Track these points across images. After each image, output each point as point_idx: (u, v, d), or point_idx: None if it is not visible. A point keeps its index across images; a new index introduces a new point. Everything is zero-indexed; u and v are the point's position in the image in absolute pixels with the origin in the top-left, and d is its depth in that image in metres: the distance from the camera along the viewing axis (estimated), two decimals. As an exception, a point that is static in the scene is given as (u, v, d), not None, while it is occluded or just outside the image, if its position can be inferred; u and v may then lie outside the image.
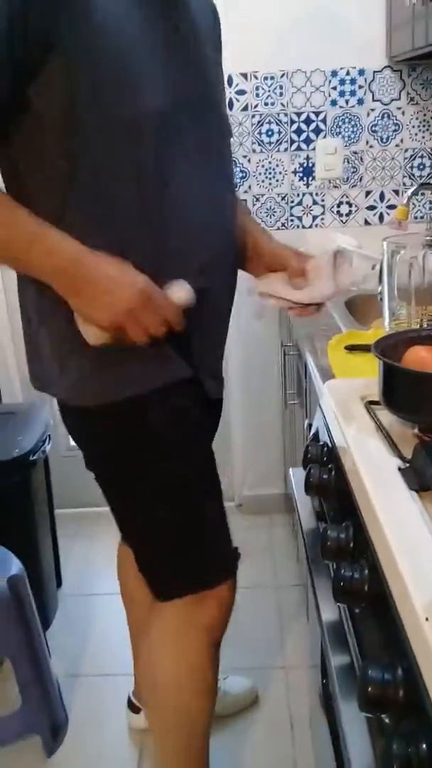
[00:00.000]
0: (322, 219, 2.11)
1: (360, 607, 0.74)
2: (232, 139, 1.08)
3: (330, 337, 1.36)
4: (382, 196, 2.08)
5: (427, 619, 0.55)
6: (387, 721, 0.58)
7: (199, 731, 1.20)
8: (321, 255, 1.06)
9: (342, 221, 2.11)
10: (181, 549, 1.08)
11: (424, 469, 0.77)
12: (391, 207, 2.07)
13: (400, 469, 0.80)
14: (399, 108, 1.99)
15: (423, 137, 2.02)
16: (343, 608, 0.82)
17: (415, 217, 2.07)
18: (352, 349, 1.28)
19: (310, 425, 1.31)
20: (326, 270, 1.06)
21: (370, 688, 0.56)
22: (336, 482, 0.93)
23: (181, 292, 0.93)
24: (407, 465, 0.81)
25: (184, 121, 0.93)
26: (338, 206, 2.09)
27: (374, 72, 1.96)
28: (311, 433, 1.13)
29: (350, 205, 2.10)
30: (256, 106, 2.00)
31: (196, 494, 1.08)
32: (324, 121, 2.01)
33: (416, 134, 2.02)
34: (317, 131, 2.02)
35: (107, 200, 0.91)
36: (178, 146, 0.93)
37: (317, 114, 2.01)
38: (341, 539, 0.81)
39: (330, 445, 1.00)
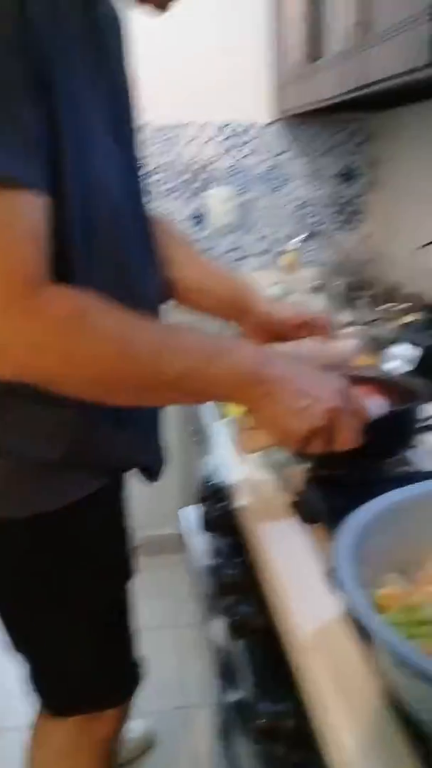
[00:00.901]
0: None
1: (254, 642, 0.75)
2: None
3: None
4: (274, 243, 2.17)
5: (312, 650, 0.56)
6: (281, 750, 0.58)
7: None
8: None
9: (236, 266, 2.18)
10: (89, 665, 1.00)
11: (315, 502, 0.79)
12: (283, 253, 2.15)
13: (292, 502, 0.83)
14: (288, 160, 2.10)
15: (311, 187, 2.13)
16: (238, 644, 0.82)
17: (307, 262, 2.16)
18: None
19: (206, 462, 1.32)
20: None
21: (263, 720, 0.56)
22: (231, 519, 0.94)
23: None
24: (299, 499, 0.83)
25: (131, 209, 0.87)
26: (231, 252, 2.16)
27: (263, 126, 2.06)
28: (207, 471, 1.14)
29: (243, 251, 2.17)
30: (150, 155, 2.04)
31: (110, 609, 1.01)
32: (216, 171, 2.08)
33: (305, 184, 2.12)
34: (210, 180, 2.09)
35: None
36: (130, 234, 0.86)
37: (210, 164, 2.08)
38: (235, 575, 0.82)
39: (225, 481, 1.01)
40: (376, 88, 1.24)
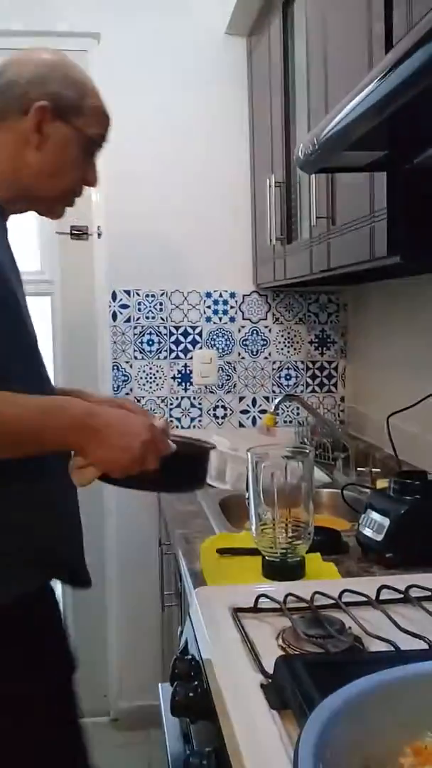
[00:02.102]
0: (200, 420, 2.23)
1: None
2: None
3: (203, 539, 1.39)
4: (254, 402, 2.25)
5: None
6: None
7: None
8: None
9: (218, 423, 2.24)
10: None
11: (284, 686, 0.77)
12: (263, 411, 2.23)
13: (262, 685, 0.80)
14: (266, 326, 2.23)
15: (288, 352, 2.25)
16: None
17: (285, 422, 2.23)
18: (223, 552, 1.31)
19: (180, 633, 1.29)
20: None
21: None
22: (202, 701, 0.91)
23: (161, 422, 1.06)
24: (269, 681, 0.81)
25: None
26: (214, 409, 2.23)
27: (243, 295, 2.22)
28: (180, 645, 1.11)
29: (225, 408, 2.24)
30: (138, 318, 2.17)
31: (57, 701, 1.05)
32: (200, 334, 2.21)
33: (282, 349, 2.24)
34: (194, 343, 2.21)
35: None
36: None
37: (194, 328, 2.20)
38: (204, 766, 0.78)
39: (197, 659, 0.99)
40: (338, 272, 1.36)
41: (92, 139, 1.17)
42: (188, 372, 2.21)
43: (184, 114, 2.12)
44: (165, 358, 2.19)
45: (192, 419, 2.22)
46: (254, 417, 2.25)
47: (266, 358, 2.24)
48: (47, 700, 1.01)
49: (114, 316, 2.16)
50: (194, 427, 2.22)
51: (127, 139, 2.02)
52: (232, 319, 2.22)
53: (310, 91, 1.48)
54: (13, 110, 1.11)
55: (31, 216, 2.37)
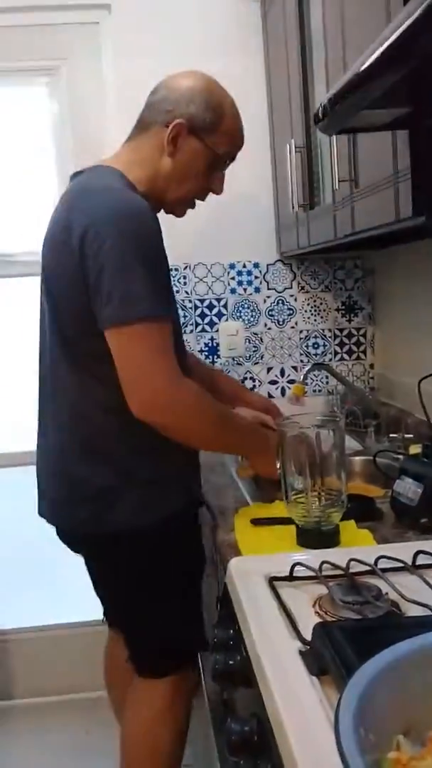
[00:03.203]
0: (229, 393, 2.22)
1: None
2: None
3: (237, 510, 1.40)
4: (282, 372, 2.23)
5: None
6: None
7: None
8: None
9: (248, 395, 2.23)
10: (186, 634, 1.42)
11: (323, 652, 0.78)
12: (291, 381, 2.21)
13: (300, 652, 0.81)
14: (292, 295, 2.21)
15: (315, 320, 2.22)
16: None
17: (314, 391, 2.21)
18: (257, 523, 1.32)
19: (218, 602, 1.30)
20: None
21: None
22: (242, 668, 0.92)
23: None
24: (307, 648, 0.81)
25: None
26: (242, 381, 2.22)
27: (268, 264, 2.19)
28: (218, 615, 1.12)
29: (253, 380, 2.23)
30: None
31: (197, 593, 1.48)
32: (225, 306, 2.19)
33: (309, 317, 2.22)
34: (219, 315, 2.19)
35: None
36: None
37: (219, 300, 2.19)
38: (246, 733, 0.79)
39: (236, 628, 1.00)
40: (363, 235, 1.34)
41: (220, 156, 1.41)
42: (215, 345, 2.20)
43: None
44: (191, 332, 2.19)
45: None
46: (283, 387, 2.23)
47: (293, 327, 2.22)
48: (192, 580, 1.47)
49: (138, 292, 2.15)
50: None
51: (143, 105, 1.99)
52: (257, 290, 2.20)
53: (327, 51, 1.44)
54: (158, 122, 1.37)
55: (52, 189, 2.36)
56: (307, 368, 1.94)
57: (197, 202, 1.49)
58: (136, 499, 1.33)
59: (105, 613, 1.62)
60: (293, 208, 1.77)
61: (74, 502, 1.36)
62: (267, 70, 2.09)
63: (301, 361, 2.23)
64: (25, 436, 2.33)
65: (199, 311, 2.19)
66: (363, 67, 0.81)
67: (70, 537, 1.47)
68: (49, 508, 1.45)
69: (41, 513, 1.47)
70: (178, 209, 1.47)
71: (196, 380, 1.33)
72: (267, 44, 2.08)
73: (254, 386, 2.23)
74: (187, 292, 2.18)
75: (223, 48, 2.08)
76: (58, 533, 1.48)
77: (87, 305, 1.24)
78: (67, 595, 2.44)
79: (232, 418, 1.39)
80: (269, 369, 2.23)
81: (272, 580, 1.00)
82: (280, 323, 2.22)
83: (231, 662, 0.94)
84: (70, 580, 2.40)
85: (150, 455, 1.33)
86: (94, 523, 1.35)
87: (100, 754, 2.06)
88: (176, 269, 2.15)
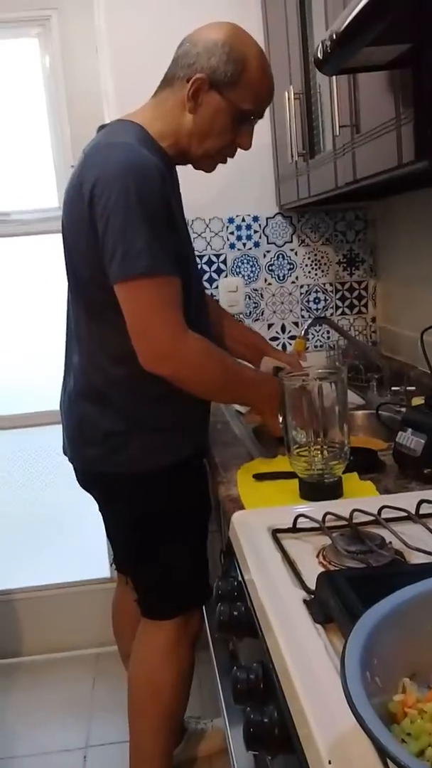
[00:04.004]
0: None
1: (272, 754, 0.72)
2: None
3: (239, 466, 1.40)
4: (283, 328, 2.21)
5: (330, 762, 0.54)
6: None
7: (178, 716, 1.61)
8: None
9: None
10: (192, 577, 1.48)
11: (327, 600, 0.78)
12: (293, 338, 2.19)
13: (305, 601, 0.81)
14: (292, 249, 2.17)
15: (316, 274, 2.19)
16: (256, 756, 0.79)
17: (316, 347, 2.19)
18: (259, 477, 1.31)
19: (222, 554, 1.31)
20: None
21: None
22: (246, 619, 0.92)
23: None
24: (311, 597, 0.81)
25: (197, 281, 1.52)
26: (243, 338, 2.20)
27: (267, 218, 2.15)
28: (222, 568, 1.13)
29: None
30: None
31: (203, 536, 1.54)
32: (224, 262, 2.16)
33: (309, 272, 2.19)
34: (219, 271, 2.16)
35: None
36: (199, 295, 1.50)
37: (218, 256, 2.15)
38: (251, 681, 0.80)
39: (239, 579, 1.00)
40: (365, 183, 1.30)
41: (244, 111, 1.35)
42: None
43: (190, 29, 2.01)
44: (190, 288, 2.15)
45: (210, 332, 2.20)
46: (284, 343, 2.21)
47: (293, 282, 2.19)
48: (198, 527, 1.53)
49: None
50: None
51: (136, 56, 1.93)
52: (256, 245, 2.16)
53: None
54: (180, 77, 1.34)
55: (46, 150, 2.32)
56: (308, 323, 1.92)
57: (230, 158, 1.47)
58: (141, 445, 1.39)
59: (114, 559, 1.69)
60: (293, 157, 1.73)
61: (85, 442, 1.44)
62: (264, 17, 2.02)
63: (302, 316, 2.20)
64: (29, 396, 2.35)
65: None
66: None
67: (83, 476, 1.54)
68: (67, 447, 1.52)
69: (64, 451, 1.55)
70: (206, 165, 1.45)
71: (221, 333, 1.48)
72: (263, -13, 2.00)
73: (255, 343, 2.21)
74: (185, 248, 2.14)
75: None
76: (76, 473, 1.56)
77: (98, 257, 1.28)
78: (71, 554, 2.47)
79: (239, 370, 1.41)
80: (270, 325, 2.21)
81: (275, 532, 1.00)
82: (281, 278, 2.19)
83: (235, 613, 0.94)
84: (74, 540, 2.44)
85: (157, 404, 1.38)
86: (102, 463, 1.43)
87: (105, 706, 2.11)
88: (174, 225, 2.11)
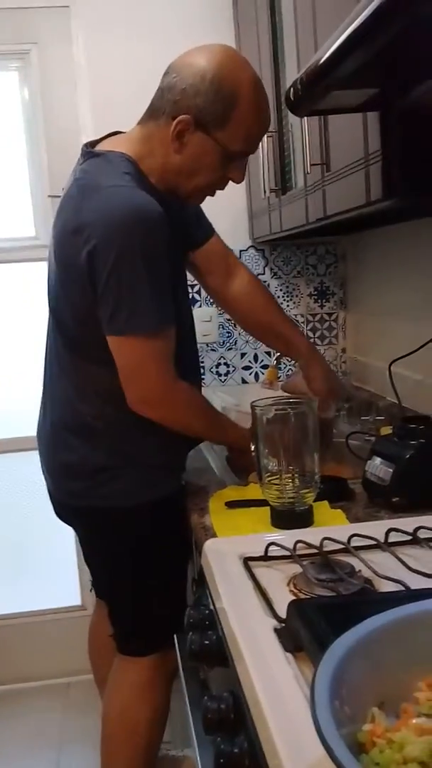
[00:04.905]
0: (203, 379, 2.22)
1: (243, 784, 0.72)
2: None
3: (212, 493, 1.40)
4: (255, 358, 2.24)
5: (300, 792, 0.55)
6: None
7: (154, 751, 1.54)
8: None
9: (221, 380, 2.24)
10: (169, 615, 1.36)
11: (298, 629, 0.78)
12: (265, 366, 2.22)
13: (275, 629, 0.82)
14: (264, 281, 2.20)
15: (287, 306, 2.23)
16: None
17: (287, 375, 2.22)
18: (232, 505, 1.32)
19: (194, 583, 1.31)
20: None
21: None
22: (217, 648, 0.92)
23: None
24: (282, 625, 0.82)
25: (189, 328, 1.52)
26: (217, 367, 2.23)
27: (240, 251, 2.19)
28: (194, 597, 1.13)
29: (227, 365, 2.23)
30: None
31: (181, 574, 1.50)
32: (199, 292, 2.18)
33: (282, 303, 2.22)
34: (193, 301, 2.18)
35: None
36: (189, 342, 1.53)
37: (192, 287, 2.17)
38: (222, 711, 0.79)
39: (211, 608, 1.00)
40: (335, 219, 1.34)
41: (233, 152, 1.28)
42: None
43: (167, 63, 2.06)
44: (164, 318, 2.17)
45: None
46: (257, 372, 2.24)
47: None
48: (177, 563, 1.49)
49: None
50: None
51: (114, 89, 1.97)
52: (229, 276, 2.19)
53: (298, 34, 1.44)
54: (165, 113, 1.27)
55: (23, 179, 2.33)
56: (279, 353, 1.95)
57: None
58: (130, 480, 1.39)
59: (93, 583, 1.68)
60: (265, 193, 1.77)
61: (69, 476, 1.43)
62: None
63: (274, 346, 2.23)
64: (4, 422, 2.33)
65: (171, 297, 2.18)
66: (333, 47, 0.81)
67: (62, 508, 1.53)
68: (47, 478, 1.51)
69: (48, 489, 1.54)
70: (193, 199, 1.41)
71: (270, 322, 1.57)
72: (238, 28, 2.07)
73: (228, 371, 2.23)
74: (159, 278, 2.16)
75: (194, 32, 2.05)
76: (54, 504, 1.55)
77: (91, 305, 1.26)
78: (41, 582, 2.43)
79: (217, 418, 1.46)
80: (243, 354, 2.23)
81: (247, 561, 1.00)
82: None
83: (206, 642, 0.94)
84: (44, 568, 2.40)
85: (147, 440, 1.38)
86: (86, 497, 1.41)
87: (75, 737, 2.07)
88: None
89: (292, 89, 0.96)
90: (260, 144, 1.71)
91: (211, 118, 1.24)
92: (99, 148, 1.36)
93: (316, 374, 1.54)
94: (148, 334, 1.25)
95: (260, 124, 1.30)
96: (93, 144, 1.38)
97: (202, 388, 2.18)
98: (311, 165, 1.35)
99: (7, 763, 2.01)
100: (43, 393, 1.51)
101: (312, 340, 2.26)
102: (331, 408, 1.56)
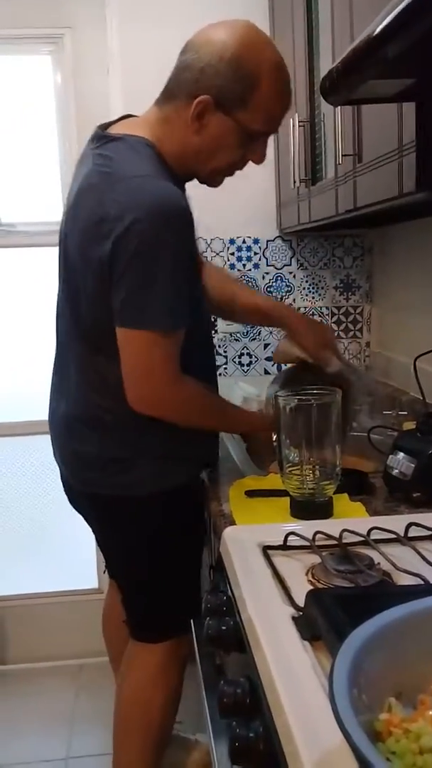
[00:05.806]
0: (225, 368, 2.23)
1: (257, 769, 0.73)
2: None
3: (231, 482, 1.41)
4: (278, 349, 2.23)
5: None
6: None
7: (166, 734, 1.55)
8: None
9: (244, 371, 2.24)
10: (183, 602, 1.41)
11: (315, 618, 0.79)
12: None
13: (293, 618, 0.82)
14: (290, 272, 2.20)
15: (313, 297, 2.22)
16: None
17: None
18: (251, 494, 1.32)
19: (211, 570, 1.32)
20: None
21: None
22: (234, 633, 0.93)
23: None
24: (300, 614, 0.82)
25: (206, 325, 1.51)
26: (239, 357, 2.23)
27: (267, 241, 2.18)
28: (211, 583, 1.14)
29: (250, 356, 2.23)
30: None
31: (197, 561, 1.51)
32: (223, 281, 2.18)
33: (307, 295, 2.22)
34: (217, 290, 2.18)
35: None
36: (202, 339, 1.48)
37: (217, 275, 2.18)
38: (238, 695, 0.80)
39: (229, 594, 1.01)
40: (365, 211, 1.33)
41: (254, 132, 1.25)
42: (213, 320, 2.20)
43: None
44: (188, 306, 2.18)
45: (218, 367, 2.22)
46: (279, 364, 2.23)
47: (291, 304, 2.22)
48: (193, 551, 1.49)
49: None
50: (220, 375, 2.21)
51: (146, 76, 1.96)
52: (256, 266, 2.19)
53: (334, 22, 1.42)
54: (183, 93, 1.23)
55: (53, 166, 2.34)
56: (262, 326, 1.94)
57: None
58: (145, 470, 1.37)
59: (106, 565, 1.65)
60: (295, 183, 1.76)
61: (84, 466, 1.42)
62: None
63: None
64: (22, 406, 2.35)
65: (196, 285, 2.18)
66: (371, 34, 0.80)
67: (76, 495, 1.51)
68: (61, 467, 1.51)
69: (61, 476, 1.54)
70: (212, 181, 1.37)
71: (233, 299, 1.51)
72: (273, 16, 2.05)
73: (251, 362, 2.23)
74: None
75: (227, 16, 2.04)
76: (67, 491, 1.54)
77: (106, 293, 1.23)
78: (59, 564, 2.46)
79: (225, 411, 1.44)
80: (266, 345, 2.23)
81: (266, 549, 1.01)
82: (279, 300, 2.21)
83: (224, 627, 0.95)
84: (62, 549, 2.43)
85: (163, 431, 1.35)
86: (101, 485, 1.40)
87: (87, 718, 2.10)
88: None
89: (328, 76, 0.95)
90: (291, 134, 1.72)
91: (231, 98, 1.20)
92: (114, 131, 1.31)
93: (298, 329, 1.47)
94: (162, 332, 1.23)
95: (282, 105, 1.27)
96: (105, 126, 1.33)
97: (224, 377, 2.20)
98: (343, 155, 1.34)
99: (19, 740, 2.04)
100: (53, 382, 1.49)
101: (336, 333, 2.25)
102: (333, 360, 1.45)
